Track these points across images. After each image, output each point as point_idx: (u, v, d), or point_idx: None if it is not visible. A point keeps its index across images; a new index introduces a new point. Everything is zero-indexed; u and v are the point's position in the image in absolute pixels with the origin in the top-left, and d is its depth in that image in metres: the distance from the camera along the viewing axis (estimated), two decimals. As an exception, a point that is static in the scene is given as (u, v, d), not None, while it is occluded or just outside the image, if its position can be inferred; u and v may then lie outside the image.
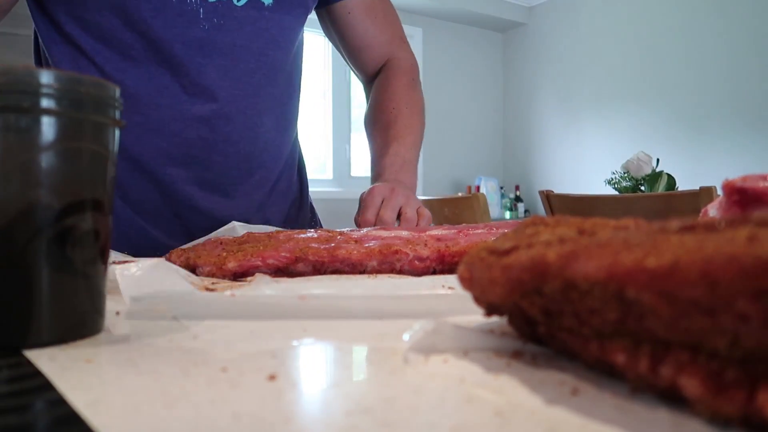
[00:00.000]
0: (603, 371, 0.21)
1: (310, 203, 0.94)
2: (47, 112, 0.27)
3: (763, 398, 0.15)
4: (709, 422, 0.17)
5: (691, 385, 0.17)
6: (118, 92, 0.30)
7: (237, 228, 0.64)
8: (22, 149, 0.26)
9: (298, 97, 0.88)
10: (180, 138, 0.74)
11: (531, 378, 0.21)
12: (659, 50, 3.40)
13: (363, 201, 0.76)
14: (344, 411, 0.19)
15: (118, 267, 0.35)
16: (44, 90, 0.26)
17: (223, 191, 0.78)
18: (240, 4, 0.75)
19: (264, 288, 0.34)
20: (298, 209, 0.90)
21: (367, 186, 0.81)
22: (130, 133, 0.71)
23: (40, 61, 0.78)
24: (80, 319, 0.28)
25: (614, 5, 3.62)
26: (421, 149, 0.91)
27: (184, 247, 0.55)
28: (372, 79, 0.96)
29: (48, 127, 0.27)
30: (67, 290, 0.28)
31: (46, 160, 0.27)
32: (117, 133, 0.30)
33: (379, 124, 0.90)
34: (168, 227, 0.77)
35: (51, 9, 0.71)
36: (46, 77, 0.26)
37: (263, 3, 0.76)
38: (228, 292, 0.33)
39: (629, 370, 0.19)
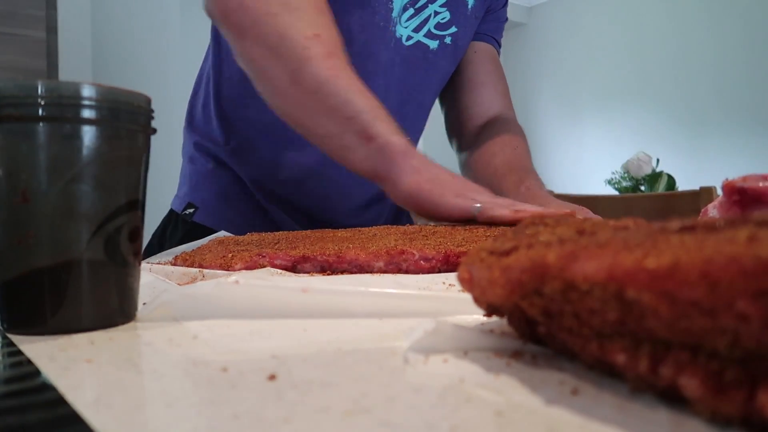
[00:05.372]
0: (603, 371, 0.21)
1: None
2: (88, 121, 0.29)
3: (763, 398, 0.15)
4: (709, 422, 0.17)
5: (691, 385, 0.17)
6: (149, 102, 0.33)
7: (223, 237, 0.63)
8: (67, 156, 0.29)
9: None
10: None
11: (531, 378, 0.21)
12: (659, 50, 3.40)
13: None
14: (344, 411, 0.19)
15: None
16: (85, 102, 0.29)
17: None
18: (408, 44, 0.76)
19: (267, 277, 0.34)
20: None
21: None
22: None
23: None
24: (119, 308, 0.32)
25: (614, 5, 3.62)
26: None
27: (187, 250, 0.54)
28: (475, 131, 0.90)
29: (89, 135, 0.30)
30: (109, 282, 0.31)
31: (87, 165, 0.29)
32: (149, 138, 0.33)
33: (502, 155, 0.82)
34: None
35: None
36: (87, 91, 0.30)
37: (428, 47, 0.78)
38: (232, 278, 0.33)
39: (629, 370, 0.19)
